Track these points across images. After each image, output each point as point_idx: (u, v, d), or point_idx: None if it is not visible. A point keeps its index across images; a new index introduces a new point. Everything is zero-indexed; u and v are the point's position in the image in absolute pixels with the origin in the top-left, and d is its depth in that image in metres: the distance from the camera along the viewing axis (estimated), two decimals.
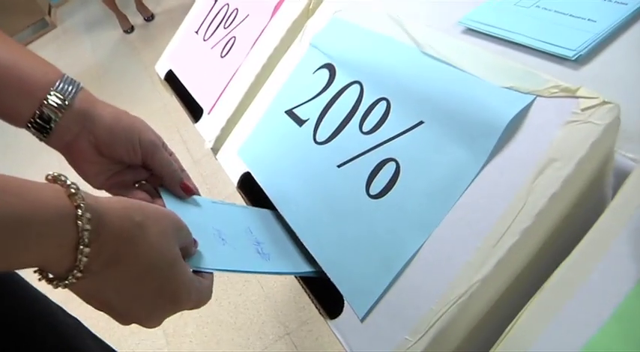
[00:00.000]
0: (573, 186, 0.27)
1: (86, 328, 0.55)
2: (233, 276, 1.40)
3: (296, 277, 0.38)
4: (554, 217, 0.27)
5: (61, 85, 0.39)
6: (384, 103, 0.38)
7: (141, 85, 2.51)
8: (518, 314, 0.25)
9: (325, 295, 0.35)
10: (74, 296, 0.32)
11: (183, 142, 1.87)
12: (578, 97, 0.28)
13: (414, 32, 0.40)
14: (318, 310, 0.35)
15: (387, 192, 0.34)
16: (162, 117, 2.07)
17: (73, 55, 3.23)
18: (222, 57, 0.63)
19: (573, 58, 0.37)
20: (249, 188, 0.48)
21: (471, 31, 0.45)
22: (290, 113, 0.47)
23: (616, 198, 0.25)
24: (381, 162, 0.36)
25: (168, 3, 3.35)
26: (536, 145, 0.28)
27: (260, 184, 0.46)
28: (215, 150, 0.56)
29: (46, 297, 0.52)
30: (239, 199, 0.52)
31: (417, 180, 0.33)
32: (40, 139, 0.40)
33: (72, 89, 0.39)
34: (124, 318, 0.32)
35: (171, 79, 0.73)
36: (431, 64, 0.36)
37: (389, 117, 0.37)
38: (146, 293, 0.31)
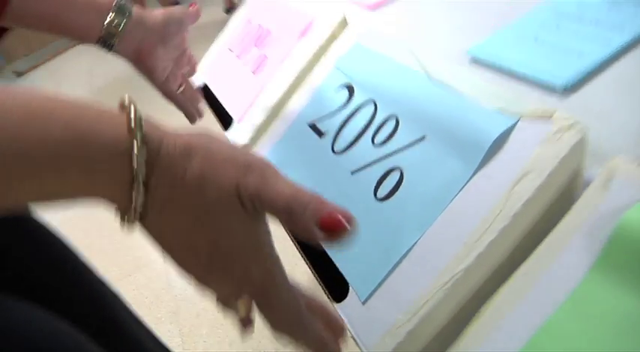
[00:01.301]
0: (544, 195, 0.32)
1: (124, 303, 0.60)
2: None
3: (308, 266, 0.43)
4: (528, 219, 0.32)
5: (119, 2, 0.53)
6: (393, 120, 0.44)
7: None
8: (491, 297, 0.30)
9: (332, 282, 0.40)
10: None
11: None
12: (553, 120, 0.33)
13: (423, 60, 0.46)
14: (326, 294, 0.40)
15: (391, 196, 0.40)
16: (190, 125, 2.15)
17: (108, 65, 3.35)
18: (253, 73, 0.69)
19: (561, 88, 0.43)
20: None
21: (477, 60, 0.51)
22: (312, 126, 0.53)
23: (577, 203, 0.30)
24: (388, 170, 0.41)
25: (200, 18, 3.48)
26: (516, 159, 0.33)
27: None
28: None
29: (70, 250, 0.56)
30: None
31: (416, 186, 0.39)
32: (110, 50, 0.54)
33: (128, 3, 0.54)
34: (183, 269, 0.30)
35: (204, 90, 0.80)
36: (435, 88, 0.42)
37: (397, 132, 0.43)
38: (200, 244, 0.28)
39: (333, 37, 0.61)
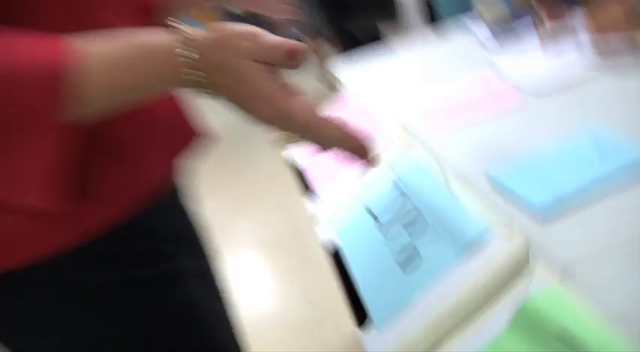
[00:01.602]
0: (495, 282, 0.51)
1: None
2: (308, 327, 1.67)
3: (347, 302, 0.64)
4: (483, 294, 0.51)
5: None
6: (416, 213, 0.64)
7: (264, 151, 2.96)
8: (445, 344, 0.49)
9: (360, 313, 0.60)
10: None
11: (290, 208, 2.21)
12: (510, 232, 0.52)
13: (447, 176, 0.66)
14: (354, 321, 0.60)
15: (407, 266, 0.60)
16: (277, 188, 2.44)
17: (211, 110, 3.82)
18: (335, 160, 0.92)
19: (539, 211, 0.61)
20: (334, 251, 0.75)
21: (493, 179, 0.70)
22: (367, 208, 0.74)
23: (511, 290, 0.49)
24: (410, 249, 0.62)
25: (307, 86, 3.89)
26: (483, 253, 0.53)
27: (342, 248, 0.73)
28: (315, 221, 0.84)
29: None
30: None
31: (424, 261, 0.58)
32: None
33: None
34: (245, 113, 0.46)
35: (292, 160, 1.04)
36: (449, 196, 0.63)
37: (417, 221, 0.63)
38: (243, 92, 0.45)
39: (395, 142, 0.83)
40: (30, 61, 0.40)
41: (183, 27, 0.45)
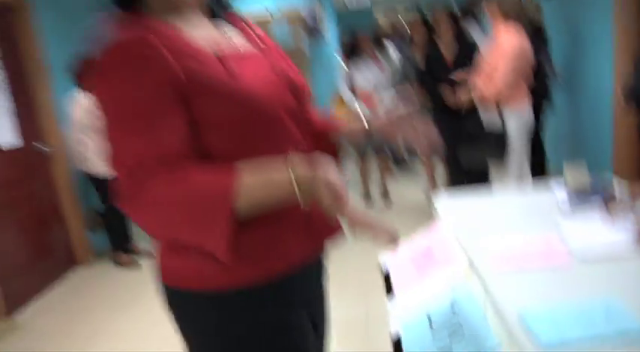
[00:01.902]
0: None
1: None
2: None
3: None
4: None
5: None
6: (459, 327, 0.93)
7: (360, 250, 3.29)
8: None
9: None
10: None
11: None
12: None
13: (487, 306, 0.95)
14: None
15: None
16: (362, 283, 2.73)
17: None
18: (417, 273, 1.23)
19: (544, 345, 0.86)
20: (397, 340, 1.05)
21: (522, 317, 0.96)
22: (428, 314, 1.04)
23: None
24: (445, 346, 0.90)
25: (400, 199, 4.19)
26: None
27: (403, 339, 1.03)
28: (389, 315, 1.14)
29: None
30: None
31: None
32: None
33: None
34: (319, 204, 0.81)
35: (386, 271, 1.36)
36: (483, 320, 0.91)
37: (458, 332, 0.91)
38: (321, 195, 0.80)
39: (460, 273, 1.12)
40: (217, 184, 0.81)
41: (295, 161, 0.82)
